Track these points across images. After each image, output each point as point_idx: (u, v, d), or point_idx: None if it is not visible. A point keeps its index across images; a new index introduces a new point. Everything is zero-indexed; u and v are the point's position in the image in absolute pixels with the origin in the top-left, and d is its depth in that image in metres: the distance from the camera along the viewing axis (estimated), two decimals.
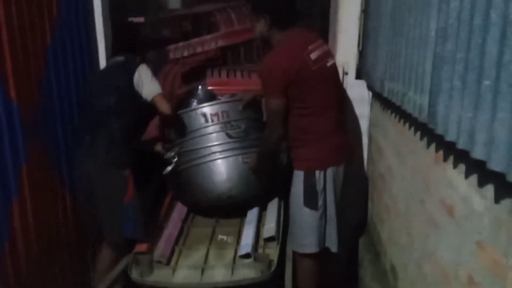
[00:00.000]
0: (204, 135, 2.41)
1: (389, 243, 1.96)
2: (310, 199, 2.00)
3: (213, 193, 2.41)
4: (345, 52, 2.57)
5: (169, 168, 2.40)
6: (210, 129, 2.40)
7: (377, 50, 2.13)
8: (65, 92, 2.29)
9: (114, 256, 2.36)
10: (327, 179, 2.02)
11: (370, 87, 2.46)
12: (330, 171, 2.03)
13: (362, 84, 2.54)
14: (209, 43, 3.76)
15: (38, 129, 2.03)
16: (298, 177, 2.04)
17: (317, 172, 2.01)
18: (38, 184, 2.03)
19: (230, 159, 2.39)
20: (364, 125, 2.57)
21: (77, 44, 2.42)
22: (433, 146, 1.38)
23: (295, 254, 2.15)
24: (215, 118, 2.40)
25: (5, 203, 1.82)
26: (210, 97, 2.79)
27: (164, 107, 2.22)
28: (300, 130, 2.04)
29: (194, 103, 2.70)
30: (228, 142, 2.40)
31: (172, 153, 2.40)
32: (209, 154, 2.40)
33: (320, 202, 2.01)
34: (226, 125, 2.40)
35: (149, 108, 2.29)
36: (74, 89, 2.38)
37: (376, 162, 2.33)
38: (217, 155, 2.40)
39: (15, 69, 1.86)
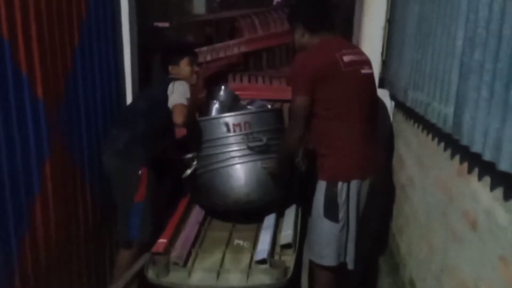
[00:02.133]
0: (225, 144, 2.42)
1: (408, 255, 1.93)
2: (331, 211, 1.96)
3: (231, 197, 2.41)
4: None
5: (189, 171, 2.41)
6: (232, 139, 2.41)
7: (402, 59, 2.11)
8: (90, 91, 2.33)
9: (129, 254, 2.37)
10: (351, 192, 1.95)
11: (393, 97, 2.44)
12: (354, 184, 1.95)
13: (384, 93, 2.52)
14: (232, 48, 3.79)
15: (62, 125, 2.07)
16: (321, 186, 1.99)
17: (340, 183, 1.94)
18: (60, 179, 2.07)
19: (249, 164, 2.39)
20: (386, 135, 2.54)
21: (104, 46, 2.47)
22: (457, 157, 1.35)
23: (312, 263, 2.11)
24: (237, 129, 2.40)
25: (28, 198, 1.86)
26: (233, 98, 2.80)
27: (176, 116, 2.25)
28: (324, 135, 1.99)
29: (216, 105, 2.71)
30: (248, 149, 2.40)
31: (191, 155, 2.41)
32: (228, 159, 2.40)
33: (341, 215, 1.95)
34: (248, 137, 2.39)
35: None
36: (99, 88, 2.42)
37: (397, 172, 2.30)
38: (236, 160, 2.40)
39: (43, 67, 1.90)
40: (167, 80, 2.42)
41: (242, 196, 2.40)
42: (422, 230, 1.73)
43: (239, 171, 2.40)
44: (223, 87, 2.87)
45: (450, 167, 1.42)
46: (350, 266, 2.02)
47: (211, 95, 2.86)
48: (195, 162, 2.41)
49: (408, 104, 1.89)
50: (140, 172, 2.32)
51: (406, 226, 2.01)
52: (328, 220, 1.96)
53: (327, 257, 2.00)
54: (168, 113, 2.29)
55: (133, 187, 2.32)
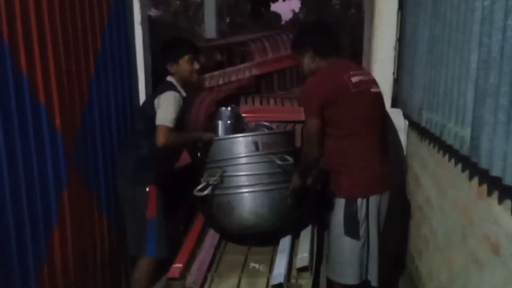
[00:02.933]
0: (251, 163, 2.36)
1: (428, 279, 1.89)
2: (351, 228, 1.95)
3: (251, 221, 2.38)
4: (380, 80, 2.54)
5: (205, 191, 2.33)
6: (258, 158, 2.36)
7: (414, 79, 2.11)
8: (106, 119, 2.37)
9: (146, 271, 2.35)
10: (370, 207, 1.96)
11: (406, 116, 2.43)
12: (373, 199, 1.96)
13: (398, 112, 2.52)
14: (243, 71, 3.84)
15: (79, 155, 2.10)
16: (339, 205, 1.99)
17: (359, 199, 1.94)
18: (77, 209, 2.09)
19: (274, 192, 2.36)
20: (400, 154, 2.53)
21: (119, 74, 2.51)
22: (475, 179, 1.34)
23: (333, 283, 2.09)
24: (265, 147, 2.37)
25: (47, 229, 1.88)
26: (238, 118, 2.78)
27: (160, 138, 2.17)
28: (338, 153, 2.00)
29: (220, 124, 2.65)
30: (273, 173, 2.36)
31: (216, 177, 2.33)
32: (254, 185, 2.35)
33: (361, 232, 1.95)
34: (276, 157, 2.34)
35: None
36: (114, 116, 2.46)
37: (413, 192, 2.28)
38: (262, 187, 2.35)
39: (61, 98, 1.94)
40: (164, 85, 2.34)
41: (261, 221, 2.37)
42: (442, 253, 1.70)
43: (265, 197, 2.36)
44: (229, 107, 2.82)
45: (468, 189, 1.40)
46: (374, 282, 2.00)
47: (215, 115, 2.82)
48: (213, 182, 2.34)
49: (423, 124, 1.88)
50: (147, 189, 2.31)
51: (425, 248, 1.98)
52: (348, 238, 1.95)
53: (349, 275, 1.98)
54: None
55: (143, 204, 2.31)
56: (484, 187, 1.27)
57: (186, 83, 2.41)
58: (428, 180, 1.97)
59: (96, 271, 2.30)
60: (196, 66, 2.38)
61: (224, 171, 2.36)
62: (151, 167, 2.34)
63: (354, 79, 1.98)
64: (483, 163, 1.15)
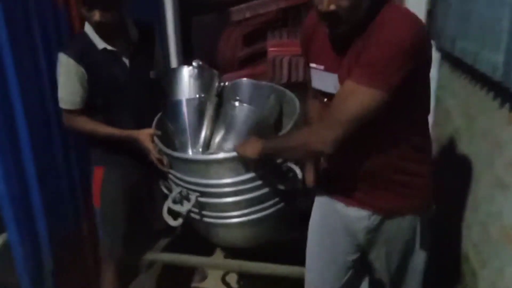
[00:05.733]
0: (239, 188, 1.61)
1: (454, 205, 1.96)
2: (427, 239, 1.46)
3: (238, 246, 1.90)
4: (412, 10, 2.47)
5: (177, 222, 1.66)
6: (250, 181, 1.59)
7: (449, 7, 2.05)
8: None
9: (109, 274, 2.01)
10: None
11: (439, 48, 2.38)
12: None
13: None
14: (270, 4, 3.76)
15: None
16: (408, 224, 1.41)
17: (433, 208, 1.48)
18: None
19: (272, 217, 1.71)
20: (431, 87, 2.50)
21: None
22: (507, 106, 1.35)
23: None
24: (259, 165, 1.53)
25: None
26: (206, 80, 1.88)
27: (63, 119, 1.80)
28: (417, 149, 1.36)
29: (184, 107, 1.79)
30: (271, 193, 1.65)
31: (190, 203, 1.63)
32: (243, 214, 1.66)
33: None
34: (276, 174, 1.60)
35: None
36: None
37: (442, 124, 2.29)
38: (255, 214, 1.68)
39: None
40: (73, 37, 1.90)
41: (253, 245, 1.86)
42: (468, 179, 1.75)
43: (258, 222, 1.69)
44: (193, 63, 1.87)
45: (499, 116, 1.42)
46: None
47: (170, 82, 1.90)
48: (185, 211, 1.65)
49: (456, 54, 1.86)
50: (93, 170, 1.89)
51: (452, 177, 2.03)
52: (425, 252, 1.48)
53: None
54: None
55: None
56: None
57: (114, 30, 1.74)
58: (458, 111, 1.98)
59: None
60: (96, 16, 1.64)
61: (201, 195, 1.63)
62: (96, 143, 1.86)
63: None
64: None
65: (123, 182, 1.89)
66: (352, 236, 1.45)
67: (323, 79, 1.33)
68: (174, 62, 2.80)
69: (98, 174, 1.88)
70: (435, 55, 2.47)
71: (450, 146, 2.08)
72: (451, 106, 2.15)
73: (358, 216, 1.40)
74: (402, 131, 1.30)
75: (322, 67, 1.32)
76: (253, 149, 1.40)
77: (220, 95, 1.88)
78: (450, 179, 2.07)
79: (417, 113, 1.32)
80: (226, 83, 1.93)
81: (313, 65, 1.36)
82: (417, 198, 1.40)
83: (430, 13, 2.47)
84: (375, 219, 1.39)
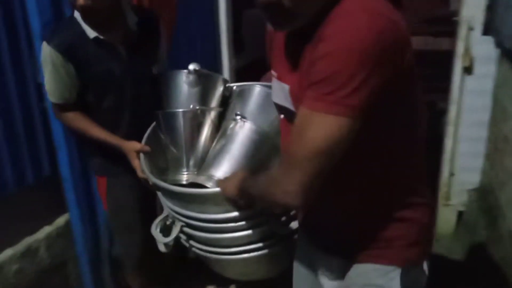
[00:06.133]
0: (231, 227, 1.30)
1: (508, 208, 1.89)
2: None
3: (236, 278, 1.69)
4: (471, 5, 2.39)
5: (165, 249, 1.40)
6: (244, 224, 1.28)
7: (509, 2, 1.97)
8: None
9: (132, 279, 1.88)
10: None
11: (498, 44, 2.29)
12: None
13: (489, 40, 2.37)
14: None
15: None
16: (386, 277, 0.99)
17: (425, 264, 1.04)
18: None
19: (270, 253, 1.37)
20: (488, 85, 2.41)
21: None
22: None
23: None
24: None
25: None
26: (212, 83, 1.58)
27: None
28: (404, 179, 0.98)
29: (180, 122, 1.50)
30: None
31: (174, 232, 1.38)
32: (237, 252, 1.35)
33: None
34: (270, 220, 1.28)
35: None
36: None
37: (499, 124, 2.20)
38: (251, 253, 1.36)
39: None
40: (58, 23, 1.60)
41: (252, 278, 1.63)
42: None
43: (255, 259, 1.37)
44: (190, 66, 1.50)
45: None
46: None
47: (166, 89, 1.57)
48: (169, 241, 1.39)
49: None
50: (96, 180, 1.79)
51: (508, 180, 1.96)
52: None
53: None
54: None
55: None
56: None
57: (107, 17, 1.47)
58: None
59: None
60: (80, 0, 1.37)
61: (186, 225, 1.39)
62: (95, 151, 1.69)
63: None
64: None
65: (128, 193, 1.69)
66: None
67: (276, 89, 1.03)
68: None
69: (102, 183, 1.73)
70: (493, 52, 2.38)
71: (507, 147, 2.01)
72: (509, 105, 2.06)
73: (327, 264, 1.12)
74: (383, 168, 0.93)
75: (276, 74, 1.03)
76: (232, 186, 1.11)
77: (227, 101, 1.59)
78: (506, 180, 2.00)
79: (402, 143, 0.93)
80: (234, 88, 1.62)
81: (272, 71, 1.06)
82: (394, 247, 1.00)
83: (489, 8, 2.37)
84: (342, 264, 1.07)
